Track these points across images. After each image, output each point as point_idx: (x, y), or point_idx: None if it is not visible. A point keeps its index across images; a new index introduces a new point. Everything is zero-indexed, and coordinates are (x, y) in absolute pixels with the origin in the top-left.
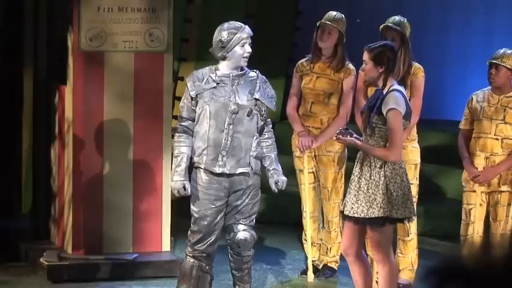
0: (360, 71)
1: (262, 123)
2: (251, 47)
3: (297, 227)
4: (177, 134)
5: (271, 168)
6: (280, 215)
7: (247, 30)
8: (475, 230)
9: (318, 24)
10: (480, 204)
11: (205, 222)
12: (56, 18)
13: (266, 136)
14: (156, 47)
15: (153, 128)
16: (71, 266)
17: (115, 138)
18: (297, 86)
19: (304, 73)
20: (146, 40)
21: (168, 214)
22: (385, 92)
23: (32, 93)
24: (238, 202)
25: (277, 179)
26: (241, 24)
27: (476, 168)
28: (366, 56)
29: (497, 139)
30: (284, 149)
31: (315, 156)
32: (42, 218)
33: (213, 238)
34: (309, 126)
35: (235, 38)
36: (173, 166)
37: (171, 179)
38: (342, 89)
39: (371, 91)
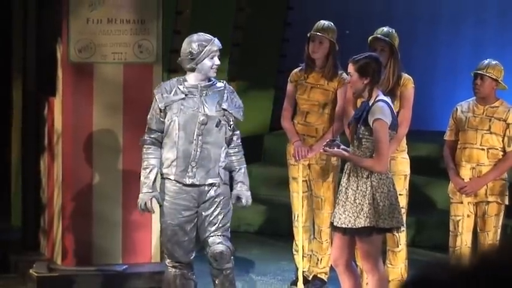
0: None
1: (231, 133)
2: (239, 58)
3: (288, 238)
4: (145, 146)
5: (238, 180)
6: (271, 226)
7: (216, 43)
8: (463, 241)
9: (308, 36)
10: (468, 215)
11: (173, 232)
12: (45, 30)
13: (235, 148)
14: (145, 58)
15: None
16: (60, 277)
17: (104, 149)
18: (291, 95)
19: (298, 83)
20: (135, 52)
21: (157, 225)
22: (370, 103)
23: (22, 105)
24: (208, 212)
25: (241, 193)
26: (211, 36)
27: (463, 179)
28: (350, 68)
29: (483, 149)
30: (273, 161)
31: (308, 165)
32: (32, 229)
33: (185, 249)
34: (304, 135)
35: (205, 50)
36: (142, 178)
37: (140, 191)
38: (336, 99)
39: (360, 102)
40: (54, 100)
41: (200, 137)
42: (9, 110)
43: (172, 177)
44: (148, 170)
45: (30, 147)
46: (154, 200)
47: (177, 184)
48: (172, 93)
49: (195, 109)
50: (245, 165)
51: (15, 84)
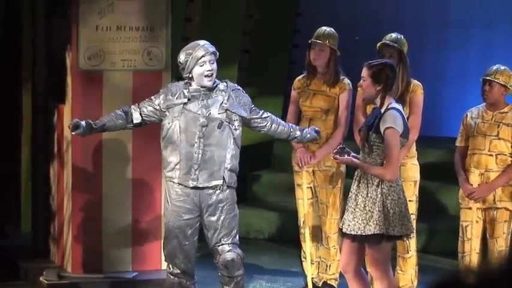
0: (358, 89)
1: (238, 132)
2: (248, 65)
3: (296, 244)
4: (119, 109)
5: (298, 130)
6: (280, 232)
7: (203, 48)
8: (472, 247)
9: (309, 42)
10: (476, 221)
11: (174, 235)
12: (55, 38)
13: (267, 121)
14: (155, 65)
15: (152, 147)
16: (70, 284)
17: (114, 157)
18: (295, 103)
19: (301, 90)
20: (144, 59)
21: None
22: (383, 110)
23: (31, 113)
24: (214, 218)
25: (315, 128)
26: (199, 42)
27: (471, 185)
28: (364, 73)
29: (491, 155)
30: (282, 167)
31: (313, 171)
32: (42, 236)
33: (184, 253)
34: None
35: (191, 58)
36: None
37: None
38: (338, 105)
39: (370, 108)
40: (63, 107)
41: (202, 140)
42: (19, 117)
43: (176, 180)
44: (98, 120)
45: (40, 155)
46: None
47: (179, 187)
48: (176, 96)
49: (197, 112)
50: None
51: (25, 91)
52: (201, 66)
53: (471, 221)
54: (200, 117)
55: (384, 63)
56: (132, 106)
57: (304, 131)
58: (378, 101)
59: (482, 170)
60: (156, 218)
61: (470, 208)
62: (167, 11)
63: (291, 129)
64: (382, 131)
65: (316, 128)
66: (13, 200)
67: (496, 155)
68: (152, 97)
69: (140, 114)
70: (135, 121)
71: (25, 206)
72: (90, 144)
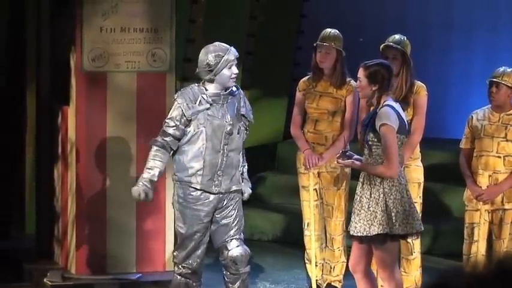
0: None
1: (246, 136)
2: (252, 66)
3: (300, 246)
4: (155, 147)
5: (243, 177)
6: (285, 234)
7: (233, 52)
8: (478, 249)
9: (315, 45)
10: (483, 223)
11: (192, 239)
12: (59, 39)
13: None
14: (159, 67)
15: None
16: (74, 286)
17: (118, 158)
18: (300, 104)
19: (306, 91)
20: (149, 60)
21: (171, 233)
22: (378, 109)
23: (35, 114)
24: (226, 214)
25: (245, 189)
26: (227, 46)
27: (480, 187)
28: (361, 73)
29: (499, 157)
30: (286, 169)
31: (318, 173)
32: (46, 238)
33: (198, 253)
34: (313, 143)
35: (223, 60)
36: (144, 175)
37: (140, 183)
38: (345, 107)
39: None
40: (68, 109)
41: (226, 146)
42: (23, 118)
43: (198, 186)
44: (152, 172)
45: (44, 156)
46: (150, 194)
47: (199, 191)
48: (197, 102)
49: (221, 118)
50: (246, 163)
51: (29, 92)
52: (229, 68)
53: (478, 223)
54: (226, 124)
55: (380, 64)
56: (163, 138)
57: (246, 181)
58: (374, 101)
59: (491, 171)
60: (161, 219)
61: (477, 210)
62: (171, 13)
63: (241, 166)
64: (377, 129)
65: (246, 196)
66: (17, 201)
67: (504, 156)
68: (170, 117)
69: (174, 139)
70: (175, 148)
71: (29, 207)
72: (94, 146)
